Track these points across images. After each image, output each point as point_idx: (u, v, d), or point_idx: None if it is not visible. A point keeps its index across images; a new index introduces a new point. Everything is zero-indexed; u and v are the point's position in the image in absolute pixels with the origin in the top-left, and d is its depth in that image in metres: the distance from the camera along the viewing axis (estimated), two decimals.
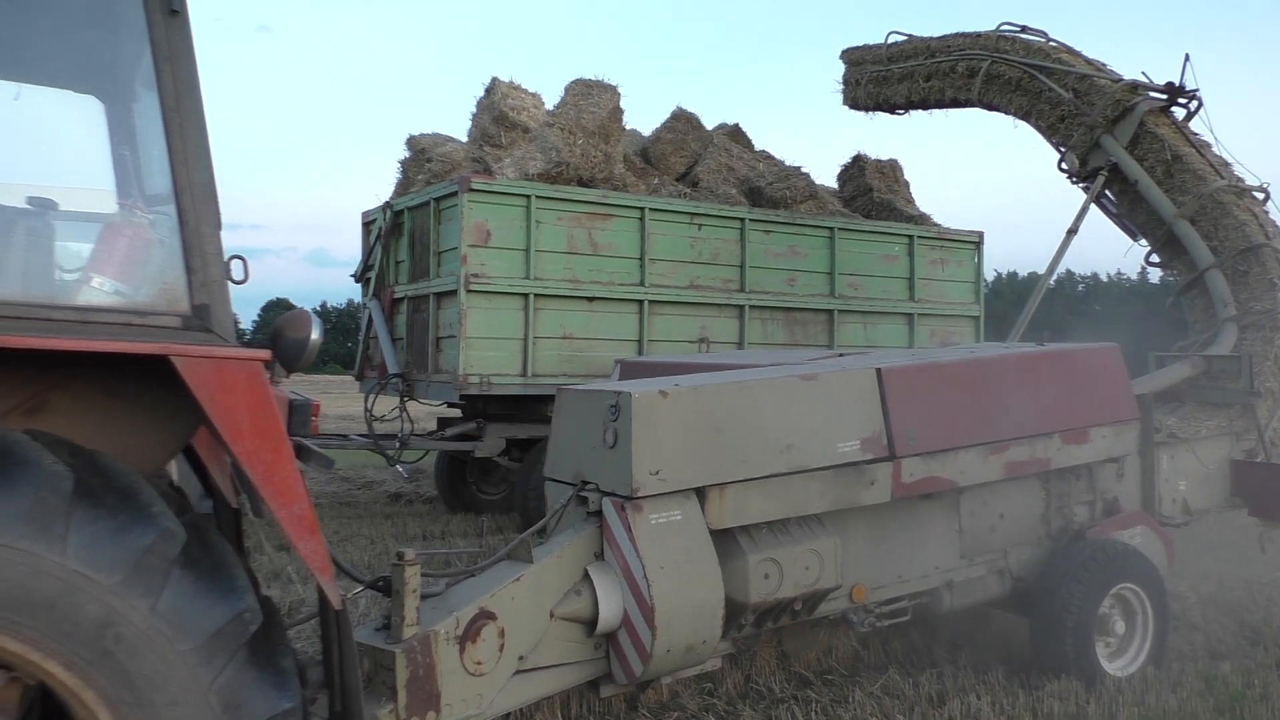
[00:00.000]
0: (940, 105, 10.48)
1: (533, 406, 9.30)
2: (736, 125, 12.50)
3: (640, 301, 9.66)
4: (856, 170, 12.75)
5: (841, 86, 11.51)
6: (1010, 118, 9.70)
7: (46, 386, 2.38)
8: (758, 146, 12.54)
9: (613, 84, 10.32)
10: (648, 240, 9.66)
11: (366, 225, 10.85)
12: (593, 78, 10.34)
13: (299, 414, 2.60)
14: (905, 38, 10.88)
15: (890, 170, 12.72)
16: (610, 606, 3.78)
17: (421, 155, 10.92)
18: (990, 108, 9.88)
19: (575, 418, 4.20)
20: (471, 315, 8.77)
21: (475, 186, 8.78)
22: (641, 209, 9.65)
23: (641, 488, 3.80)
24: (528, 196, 9.01)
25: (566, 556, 3.79)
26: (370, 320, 10.45)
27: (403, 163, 11.22)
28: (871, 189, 12.42)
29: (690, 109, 11.80)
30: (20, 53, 2.85)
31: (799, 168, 11.58)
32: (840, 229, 10.94)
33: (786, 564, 4.16)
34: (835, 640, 5.56)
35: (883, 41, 11.08)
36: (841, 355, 5.81)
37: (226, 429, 2.33)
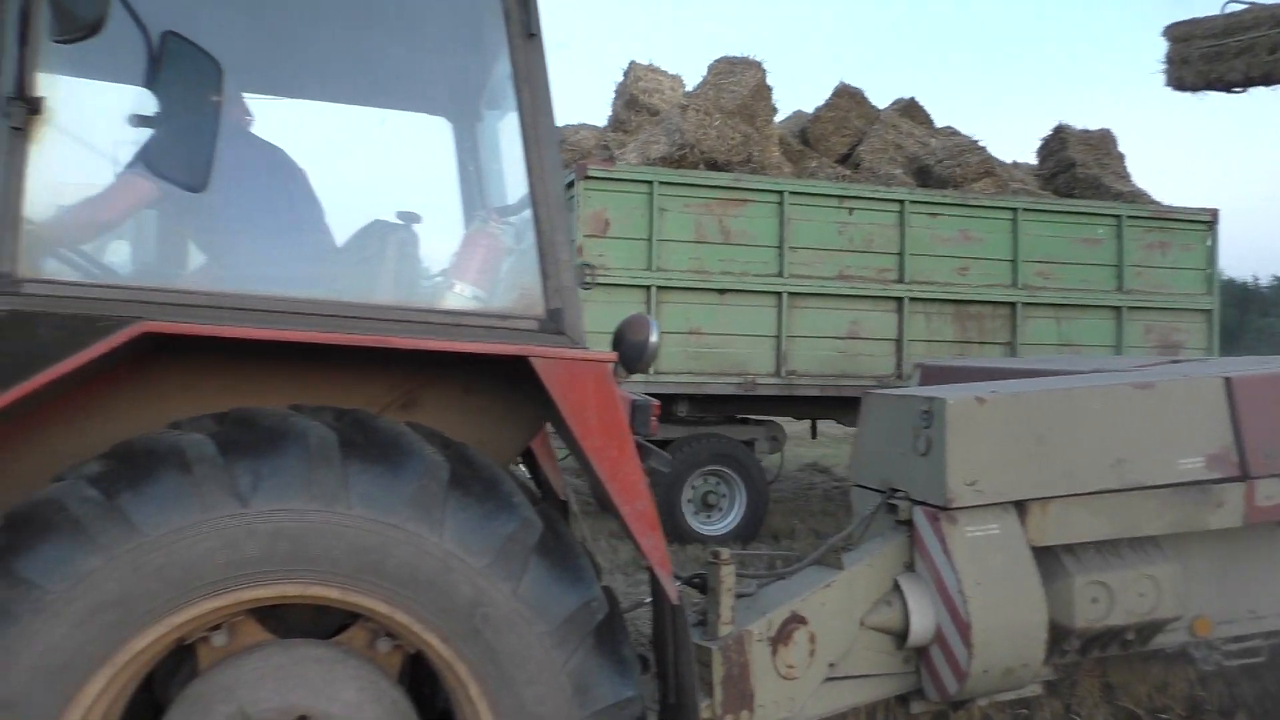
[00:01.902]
0: None
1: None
2: (911, 100, 11.26)
3: (779, 294, 8.77)
4: (1058, 143, 11.11)
5: (1165, 66, 10.22)
6: None
7: (417, 384, 2.63)
8: (941, 123, 11.22)
9: (757, 60, 9.51)
10: (787, 227, 8.75)
11: None
12: (738, 55, 9.59)
13: (640, 414, 2.75)
14: (1245, 6, 9.55)
15: (1099, 141, 10.98)
16: (922, 620, 3.70)
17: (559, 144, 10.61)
18: None
19: (883, 423, 4.15)
20: (587, 310, 8.26)
21: (592, 174, 8.27)
22: (780, 193, 8.76)
23: (957, 498, 3.69)
24: (650, 183, 8.39)
25: (876, 565, 3.76)
26: None
27: None
28: (1074, 164, 10.76)
29: (864, 86, 10.75)
30: (389, 82, 3.33)
31: (975, 141, 10.20)
32: (1025, 209, 9.48)
33: (1117, 589, 3.89)
34: (1171, 676, 4.93)
35: (1217, 13, 9.76)
36: (1177, 362, 5.46)
37: (577, 426, 2.50)
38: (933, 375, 5.51)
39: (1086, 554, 3.93)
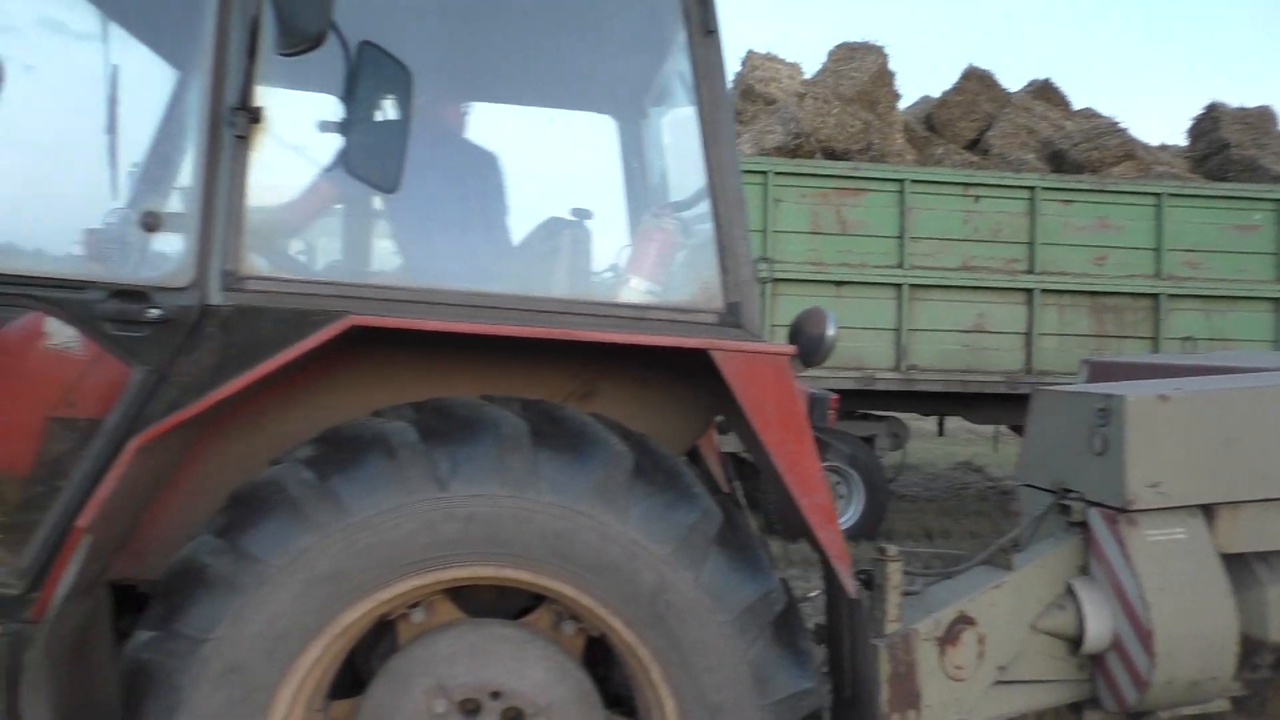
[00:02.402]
0: None
1: None
2: (1046, 81, 10.70)
3: (898, 285, 8.49)
4: (1210, 123, 10.36)
5: None
6: None
7: (595, 375, 2.74)
8: (1080, 105, 10.64)
9: (879, 44, 9.23)
10: (908, 216, 8.46)
11: None
12: (859, 40, 9.33)
13: (818, 407, 2.88)
14: None
15: (1258, 120, 10.17)
16: (1098, 626, 3.55)
17: None
18: None
19: (1054, 421, 4.02)
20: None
21: None
22: (901, 181, 8.47)
23: (1137, 500, 3.54)
24: (765, 173, 8.26)
25: (1048, 567, 3.64)
26: None
27: None
28: (1228, 144, 10.00)
29: (995, 69, 10.29)
30: (562, 83, 3.43)
31: (1116, 123, 9.61)
32: (1171, 194, 8.87)
33: None
34: None
35: None
36: None
37: (756, 419, 2.52)
38: (1101, 372, 5.27)
39: None
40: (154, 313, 2.32)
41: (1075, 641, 3.56)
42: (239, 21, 2.36)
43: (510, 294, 2.60)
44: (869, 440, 8.77)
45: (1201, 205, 8.95)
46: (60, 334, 2.36)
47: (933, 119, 10.28)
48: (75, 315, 2.33)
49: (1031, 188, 8.68)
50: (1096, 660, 3.61)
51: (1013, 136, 9.74)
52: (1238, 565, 3.64)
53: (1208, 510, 3.60)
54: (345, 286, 2.48)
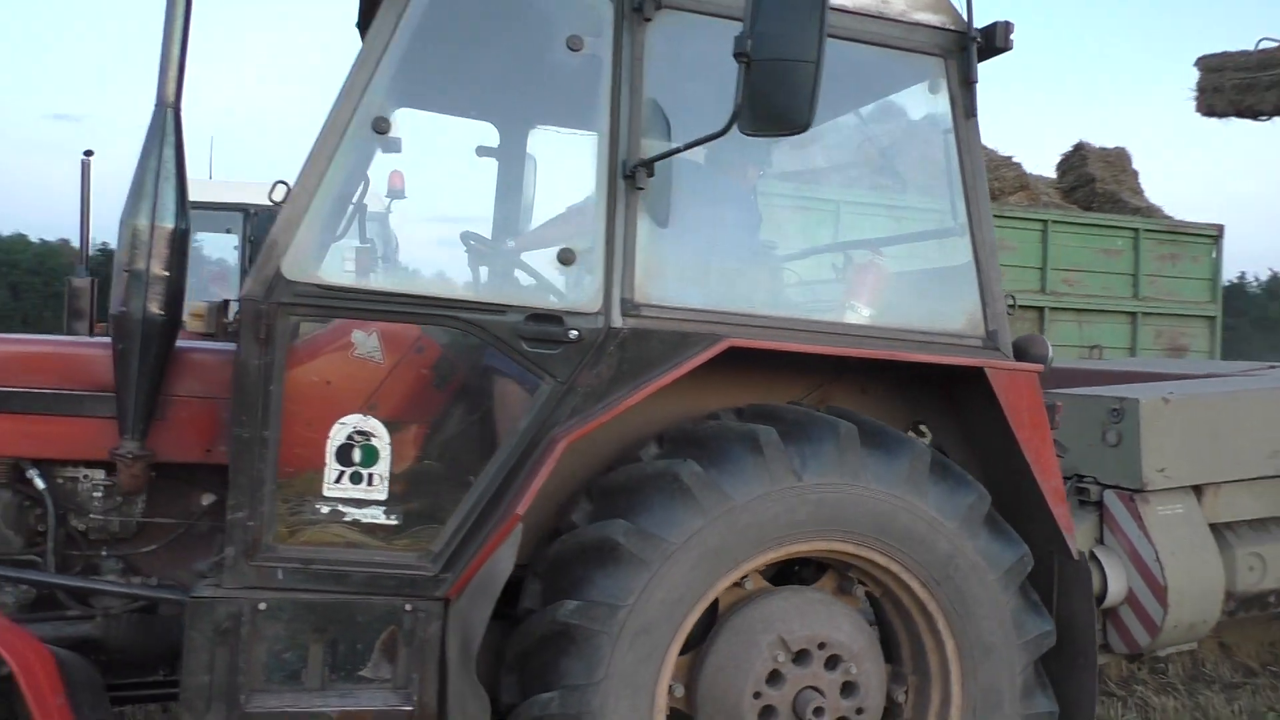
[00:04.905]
0: None
1: None
2: None
3: None
4: (1078, 159, 11.96)
5: (1196, 93, 11.23)
6: None
7: (827, 383, 3.30)
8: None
9: None
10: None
11: None
12: None
13: (1052, 412, 3.32)
14: (1277, 43, 10.62)
15: (1117, 159, 11.86)
16: (1117, 584, 4.35)
17: None
18: None
19: (1067, 419, 4.79)
20: None
21: None
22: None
23: (1150, 483, 4.37)
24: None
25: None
26: None
27: None
28: (1094, 179, 11.62)
29: None
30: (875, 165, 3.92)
31: (1010, 158, 11.03)
32: (1055, 221, 10.32)
33: (1270, 559, 4.67)
34: (1277, 634, 5.81)
35: (1251, 49, 10.83)
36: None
37: (1014, 421, 3.12)
38: (1062, 377, 6.07)
39: (1244, 530, 4.70)
40: (574, 333, 2.82)
41: (1097, 599, 4.29)
42: (628, 98, 2.87)
43: (834, 321, 3.23)
44: None
45: (1077, 231, 10.44)
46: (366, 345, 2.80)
47: None
48: (494, 335, 2.79)
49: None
50: (1109, 613, 4.42)
51: None
52: (1215, 532, 4.59)
53: (1198, 489, 4.54)
54: (714, 314, 2.96)
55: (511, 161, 4.09)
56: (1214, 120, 11.15)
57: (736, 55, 2.46)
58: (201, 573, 2.91)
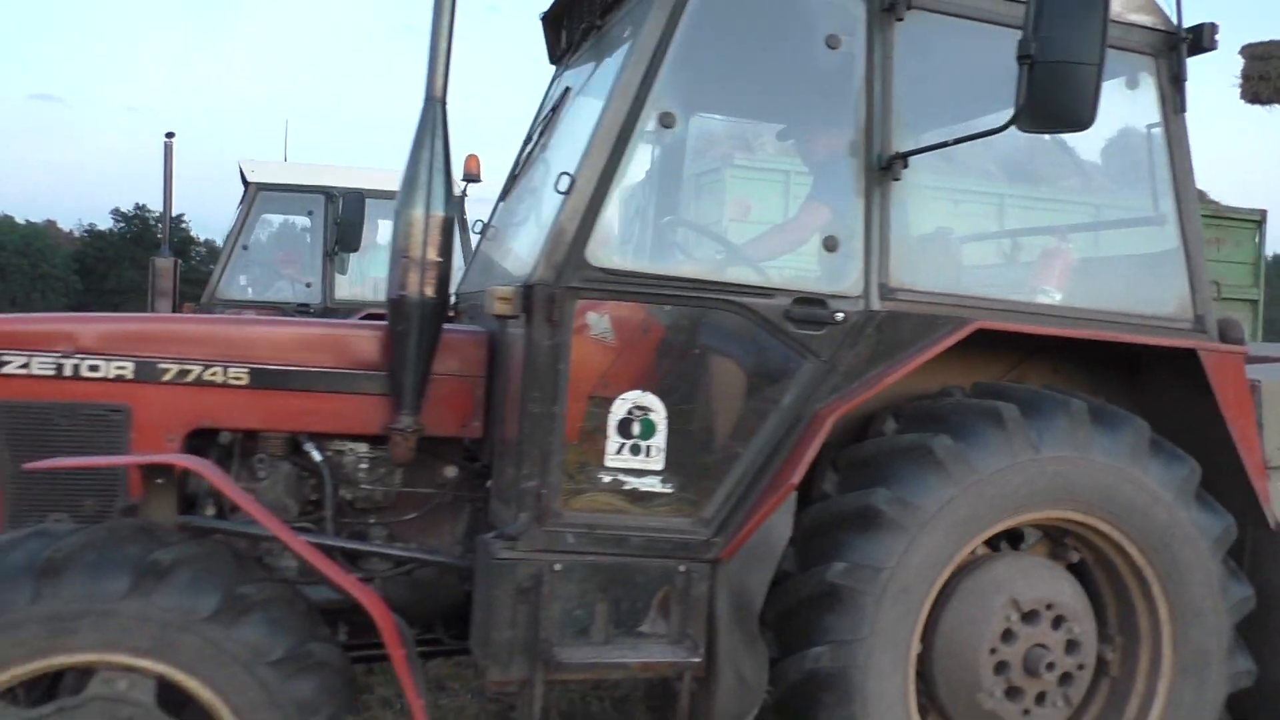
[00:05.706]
0: None
1: None
2: None
3: None
4: None
5: (1241, 81, 11.45)
6: None
7: (1020, 361, 3.47)
8: None
9: None
10: None
11: None
12: None
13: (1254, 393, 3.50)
14: None
15: None
16: None
17: None
18: None
19: None
20: None
21: (736, 163, 9.02)
22: None
23: (1271, 460, 4.49)
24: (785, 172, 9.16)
25: None
26: None
27: None
28: None
29: None
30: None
31: None
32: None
33: None
34: None
35: None
36: None
37: (1223, 400, 3.31)
38: None
39: None
40: (840, 315, 3.00)
41: None
42: (881, 94, 3.05)
43: (1063, 305, 3.38)
44: None
45: None
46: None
47: None
48: (763, 316, 2.96)
49: (1000, 195, 10.04)
50: None
51: None
52: None
53: None
54: (959, 297, 3.16)
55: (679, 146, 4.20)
56: (1258, 107, 11.37)
57: (1020, 58, 2.60)
58: (459, 540, 3.21)
